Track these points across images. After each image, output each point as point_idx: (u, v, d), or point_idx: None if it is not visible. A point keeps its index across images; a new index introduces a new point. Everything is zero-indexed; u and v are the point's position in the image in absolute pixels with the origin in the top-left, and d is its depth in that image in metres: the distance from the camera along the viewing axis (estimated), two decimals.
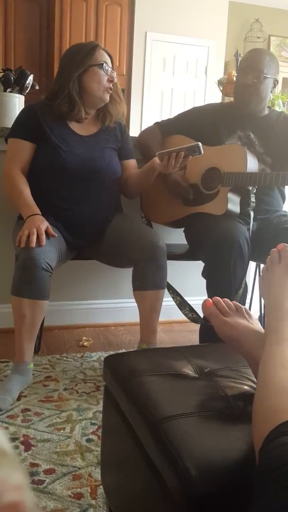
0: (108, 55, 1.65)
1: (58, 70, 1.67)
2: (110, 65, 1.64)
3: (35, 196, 1.59)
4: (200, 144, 1.52)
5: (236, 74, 1.82)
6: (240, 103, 1.76)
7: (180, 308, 1.72)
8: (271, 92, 1.77)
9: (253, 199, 1.70)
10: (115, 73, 1.66)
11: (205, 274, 1.64)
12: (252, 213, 1.69)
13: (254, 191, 1.70)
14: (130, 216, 1.77)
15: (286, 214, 1.83)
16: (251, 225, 1.67)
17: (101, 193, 1.67)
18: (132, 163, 1.79)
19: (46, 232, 1.48)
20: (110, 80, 1.63)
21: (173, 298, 1.74)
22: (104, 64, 1.61)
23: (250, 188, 1.68)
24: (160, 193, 1.84)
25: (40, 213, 1.53)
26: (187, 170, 1.79)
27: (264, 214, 1.79)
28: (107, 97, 1.66)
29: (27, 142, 1.62)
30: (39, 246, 1.42)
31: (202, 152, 1.53)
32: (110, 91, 1.65)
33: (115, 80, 1.66)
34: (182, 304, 1.71)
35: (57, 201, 1.63)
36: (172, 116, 1.97)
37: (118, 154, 1.75)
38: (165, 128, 1.87)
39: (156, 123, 1.93)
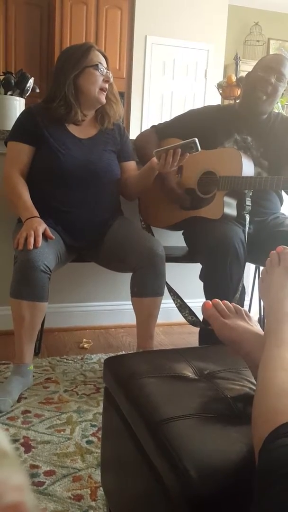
0: (103, 56, 1.65)
1: (53, 73, 1.67)
2: (105, 65, 1.64)
3: (35, 198, 1.59)
4: (196, 140, 1.51)
5: (252, 70, 1.78)
6: (252, 99, 1.73)
7: (180, 311, 1.72)
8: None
9: (248, 203, 1.70)
10: (110, 74, 1.66)
11: (202, 277, 1.64)
12: (247, 217, 1.70)
13: (250, 195, 1.70)
14: (130, 221, 1.78)
15: (280, 216, 1.84)
16: (246, 228, 1.67)
17: (100, 195, 1.68)
18: (131, 164, 1.80)
19: (44, 234, 1.48)
20: (106, 81, 1.64)
21: (173, 300, 1.74)
22: (99, 64, 1.62)
23: (246, 191, 1.69)
24: (158, 197, 1.84)
25: (38, 215, 1.54)
26: (183, 174, 1.79)
27: (262, 216, 1.79)
28: (103, 98, 1.66)
29: (26, 145, 1.63)
30: (35, 248, 1.43)
31: (199, 148, 1.52)
32: (105, 91, 1.66)
33: (111, 80, 1.66)
34: (182, 307, 1.72)
35: (56, 203, 1.63)
36: (170, 119, 1.97)
37: (118, 156, 1.75)
38: (161, 132, 1.87)
39: (153, 127, 1.93)
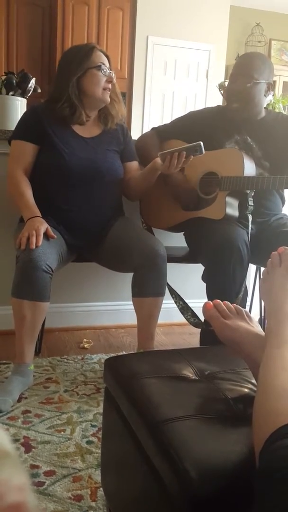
0: (105, 56, 1.66)
1: (56, 74, 1.68)
2: (108, 65, 1.65)
3: (38, 197, 1.60)
4: (201, 143, 1.53)
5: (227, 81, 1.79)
6: (232, 109, 1.75)
7: (182, 313, 1.72)
8: (265, 96, 1.74)
9: (251, 203, 1.69)
10: (113, 73, 1.66)
11: (205, 278, 1.64)
12: (250, 217, 1.69)
13: (252, 195, 1.70)
14: (132, 221, 1.78)
15: (284, 217, 1.83)
16: (249, 229, 1.67)
17: (103, 195, 1.68)
18: (134, 165, 1.80)
19: (46, 233, 1.48)
20: (109, 81, 1.65)
21: (175, 302, 1.74)
22: (102, 65, 1.62)
23: (248, 191, 1.68)
24: (159, 199, 1.84)
25: (40, 215, 1.54)
26: (185, 174, 1.79)
27: (264, 217, 1.79)
28: (108, 97, 1.67)
29: (30, 144, 1.63)
30: (36, 247, 1.43)
31: (204, 151, 1.53)
32: (109, 91, 1.66)
33: (114, 80, 1.67)
34: (184, 309, 1.71)
35: (59, 202, 1.64)
36: (170, 121, 1.97)
37: (121, 156, 1.76)
38: (162, 134, 1.87)
39: (153, 129, 1.93)
